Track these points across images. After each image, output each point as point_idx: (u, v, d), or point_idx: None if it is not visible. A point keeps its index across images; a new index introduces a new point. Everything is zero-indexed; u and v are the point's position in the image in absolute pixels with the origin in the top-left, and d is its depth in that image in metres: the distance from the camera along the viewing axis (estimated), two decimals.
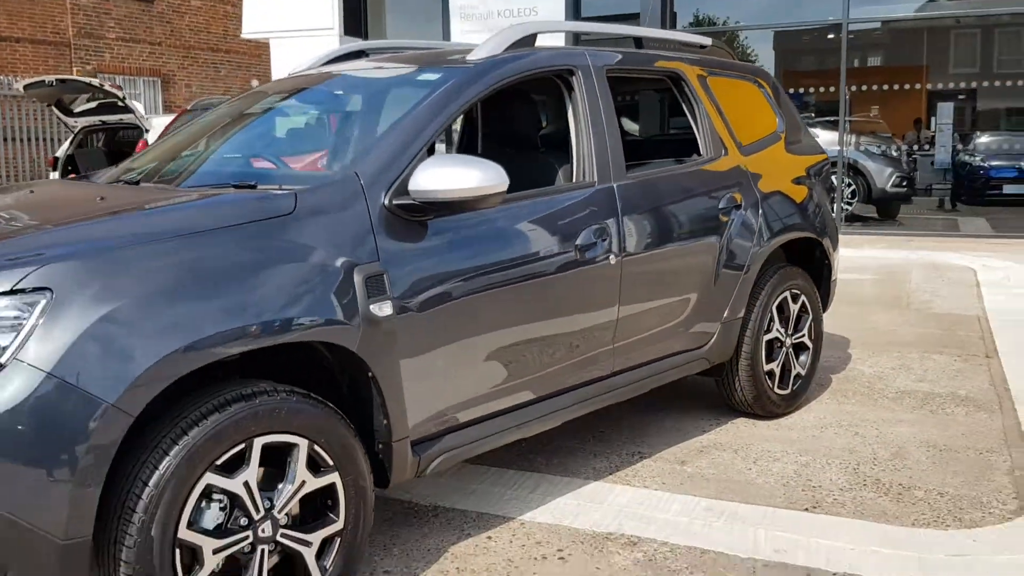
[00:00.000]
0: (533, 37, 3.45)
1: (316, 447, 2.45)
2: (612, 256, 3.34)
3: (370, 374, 2.59)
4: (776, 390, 4.28)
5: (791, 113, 4.69)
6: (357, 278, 2.54)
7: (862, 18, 11.39)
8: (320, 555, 2.50)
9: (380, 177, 2.71)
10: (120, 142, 12.78)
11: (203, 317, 2.23)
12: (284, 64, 11.92)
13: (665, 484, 3.56)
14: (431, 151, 2.93)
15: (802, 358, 4.46)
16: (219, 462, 2.26)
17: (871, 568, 2.87)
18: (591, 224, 3.27)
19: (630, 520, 3.23)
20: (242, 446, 2.30)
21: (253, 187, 2.72)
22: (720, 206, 3.90)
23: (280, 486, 2.40)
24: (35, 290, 2.07)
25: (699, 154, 4.01)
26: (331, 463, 2.49)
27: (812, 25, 12.30)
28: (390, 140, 2.82)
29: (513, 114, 3.74)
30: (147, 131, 11.99)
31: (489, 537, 3.12)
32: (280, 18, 12.11)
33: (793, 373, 4.38)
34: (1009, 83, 14.58)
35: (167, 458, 2.17)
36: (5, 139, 14.99)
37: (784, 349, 4.32)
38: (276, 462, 2.41)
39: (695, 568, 2.89)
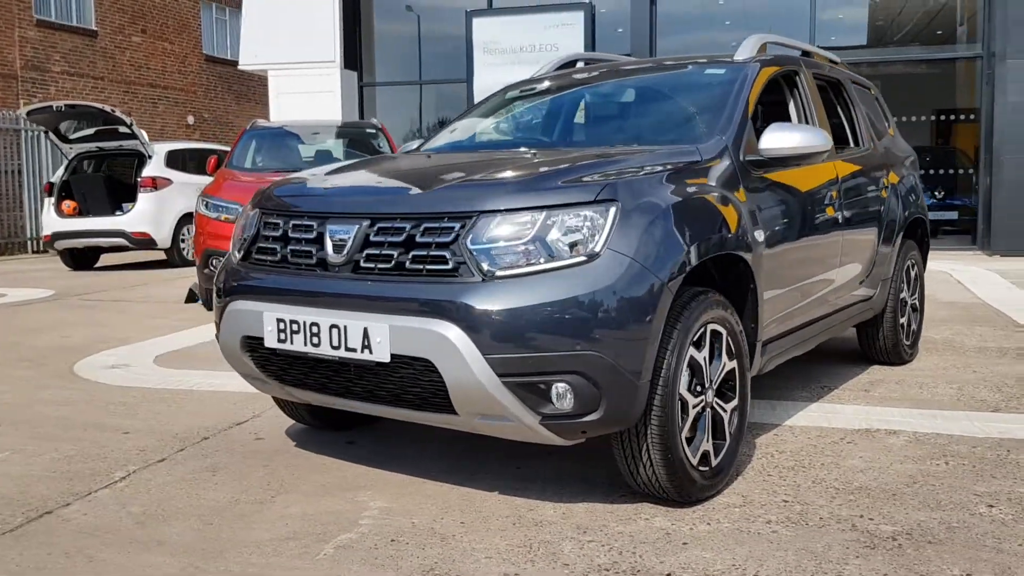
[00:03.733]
0: (766, 46, 4.34)
1: (729, 338, 3.20)
2: (840, 215, 4.23)
3: (752, 285, 3.37)
4: (905, 340, 5.25)
5: (891, 117, 5.74)
6: (744, 210, 3.33)
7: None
8: (729, 421, 3.24)
9: (736, 141, 3.52)
10: (118, 167, 12.91)
11: (697, 230, 2.98)
12: (284, 94, 12.44)
13: (868, 403, 4.43)
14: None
15: (915, 315, 5.46)
16: (694, 339, 2.99)
17: None
18: (832, 187, 4.17)
19: (872, 421, 4.07)
20: (702, 330, 3.04)
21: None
22: (881, 185, 4.87)
23: (714, 365, 3.14)
24: (608, 200, 2.78)
25: (856, 144, 4.97)
26: (734, 352, 3.24)
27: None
28: (732, 115, 3.63)
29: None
30: (150, 156, 12.23)
31: (776, 434, 3.90)
32: (281, 50, 12.61)
33: (912, 328, 5.37)
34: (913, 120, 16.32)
35: (674, 331, 2.89)
36: None
37: (908, 307, 5.30)
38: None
39: (955, 442, 3.75)
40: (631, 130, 3.90)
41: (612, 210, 2.77)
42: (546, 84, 4.51)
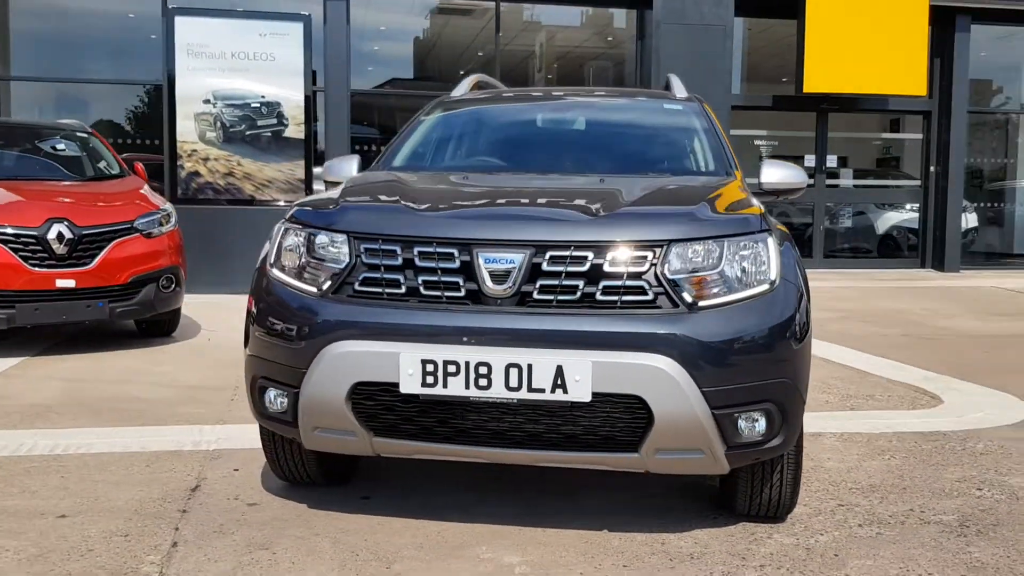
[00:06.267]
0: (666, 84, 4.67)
1: None
2: None
3: None
4: None
5: None
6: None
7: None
8: None
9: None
10: None
11: (797, 256, 3.18)
12: None
13: None
14: None
15: None
16: None
17: (929, 425, 4.64)
18: None
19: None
20: None
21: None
22: None
23: None
24: (765, 230, 2.87)
25: None
26: None
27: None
28: (727, 150, 3.88)
29: None
30: None
31: None
32: None
33: None
34: None
35: None
36: None
37: None
38: None
39: (873, 439, 4.35)
40: (643, 158, 3.95)
41: (770, 240, 2.87)
42: (485, 102, 4.38)
